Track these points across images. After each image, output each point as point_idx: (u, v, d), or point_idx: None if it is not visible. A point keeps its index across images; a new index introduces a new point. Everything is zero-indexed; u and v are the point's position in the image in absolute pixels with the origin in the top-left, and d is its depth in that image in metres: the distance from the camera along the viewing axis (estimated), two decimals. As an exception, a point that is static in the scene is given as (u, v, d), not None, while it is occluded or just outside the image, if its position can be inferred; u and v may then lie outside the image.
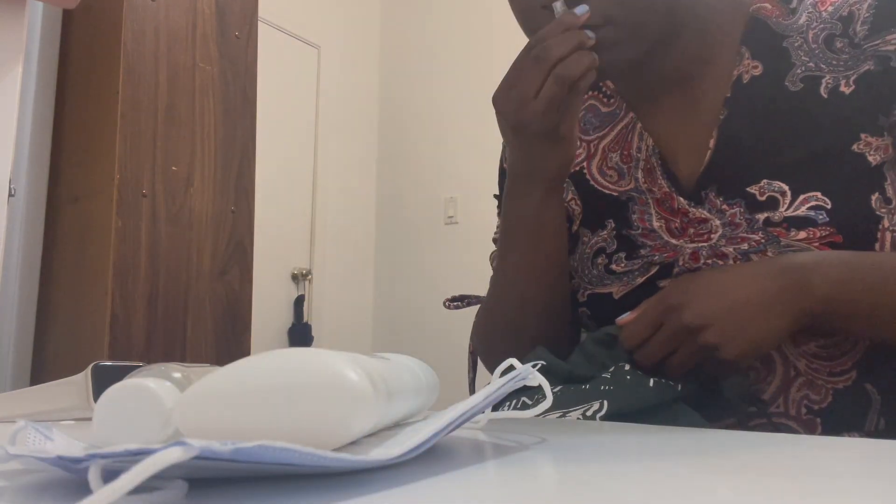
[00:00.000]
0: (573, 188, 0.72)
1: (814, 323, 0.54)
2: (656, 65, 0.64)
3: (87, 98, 1.47)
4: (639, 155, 0.67)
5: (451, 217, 3.28)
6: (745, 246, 0.59)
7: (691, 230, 0.62)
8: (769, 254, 0.57)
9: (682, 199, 0.63)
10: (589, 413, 0.53)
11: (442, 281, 3.24)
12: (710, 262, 0.60)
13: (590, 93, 0.74)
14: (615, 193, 0.68)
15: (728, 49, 0.64)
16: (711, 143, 0.62)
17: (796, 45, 0.62)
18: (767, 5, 0.64)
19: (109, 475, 0.17)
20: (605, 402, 0.53)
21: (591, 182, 0.70)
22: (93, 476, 0.19)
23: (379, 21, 3.71)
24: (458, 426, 0.30)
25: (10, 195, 1.35)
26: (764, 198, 0.58)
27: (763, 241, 0.58)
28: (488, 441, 0.36)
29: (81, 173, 1.44)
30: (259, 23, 1.71)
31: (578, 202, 0.72)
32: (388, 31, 3.69)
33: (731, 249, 0.59)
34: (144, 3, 1.45)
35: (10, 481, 0.25)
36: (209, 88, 1.55)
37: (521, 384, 0.37)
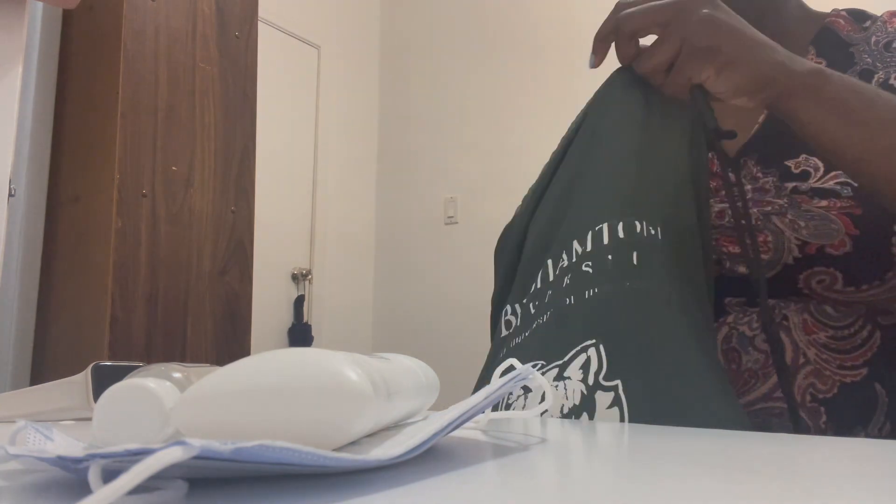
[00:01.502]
0: None
1: (786, 92, 0.54)
2: None
3: (87, 98, 1.47)
4: None
5: (451, 217, 3.28)
6: (768, 208, 0.62)
7: (722, 191, 0.66)
8: (789, 217, 0.60)
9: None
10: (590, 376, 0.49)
11: (442, 281, 3.25)
12: (733, 220, 0.63)
13: None
14: None
15: (796, 46, 0.70)
16: (761, 118, 0.67)
17: (861, 49, 0.67)
18: (842, 21, 0.70)
19: (109, 475, 0.17)
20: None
21: None
22: (93, 476, 0.19)
23: (379, 21, 3.71)
24: (458, 426, 0.30)
25: (10, 195, 1.35)
26: (798, 170, 0.62)
27: (786, 205, 0.61)
28: (488, 441, 0.36)
29: (81, 173, 1.44)
30: (259, 23, 1.71)
31: None
32: (388, 31, 3.69)
33: (755, 210, 0.63)
34: (144, 3, 1.45)
35: (10, 481, 0.25)
36: (209, 88, 1.55)
37: (521, 384, 0.37)
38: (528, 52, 3.11)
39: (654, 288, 0.51)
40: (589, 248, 0.55)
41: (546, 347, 0.52)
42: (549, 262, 0.59)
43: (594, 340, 0.49)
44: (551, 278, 0.57)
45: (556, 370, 0.50)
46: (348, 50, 3.52)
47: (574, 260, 0.56)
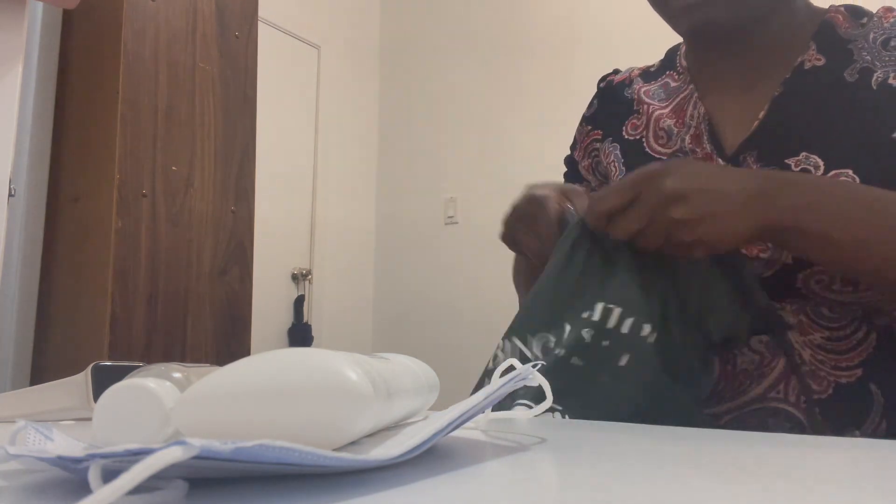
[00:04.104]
0: (617, 152, 0.78)
1: (776, 239, 0.55)
2: (741, 40, 0.71)
3: (87, 98, 1.47)
4: (691, 122, 0.73)
5: (451, 217, 3.28)
6: None
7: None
8: None
9: (721, 160, 0.67)
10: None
11: (442, 281, 3.24)
12: None
13: (667, 72, 0.80)
14: (664, 157, 0.73)
15: (798, 41, 0.70)
16: (762, 114, 0.67)
17: (859, 46, 0.68)
18: (840, 17, 0.71)
19: (109, 475, 0.17)
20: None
21: (647, 150, 0.75)
22: (93, 476, 0.19)
23: (379, 21, 3.71)
24: (458, 426, 0.30)
25: (10, 195, 1.35)
26: (798, 169, 0.62)
27: None
28: (488, 441, 0.36)
29: (81, 173, 1.44)
30: (259, 23, 1.71)
31: (619, 165, 0.77)
32: (388, 31, 3.69)
33: None
34: (144, 3, 1.45)
35: (10, 481, 0.25)
36: (209, 88, 1.55)
37: (521, 384, 0.37)
38: (528, 53, 3.11)
39: (626, 395, 0.53)
40: (596, 317, 0.56)
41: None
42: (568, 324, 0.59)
43: (561, 408, 0.52)
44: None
45: (526, 409, 0.53)
46: (348, 50, 3.52)
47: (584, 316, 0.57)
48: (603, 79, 0.86)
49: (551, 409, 0.51)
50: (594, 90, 0.88)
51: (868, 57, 0.66)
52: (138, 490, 0.18)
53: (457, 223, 3.26)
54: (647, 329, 0.54)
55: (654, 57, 0.86)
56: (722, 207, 0.53)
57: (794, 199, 0.54)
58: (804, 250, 0.56)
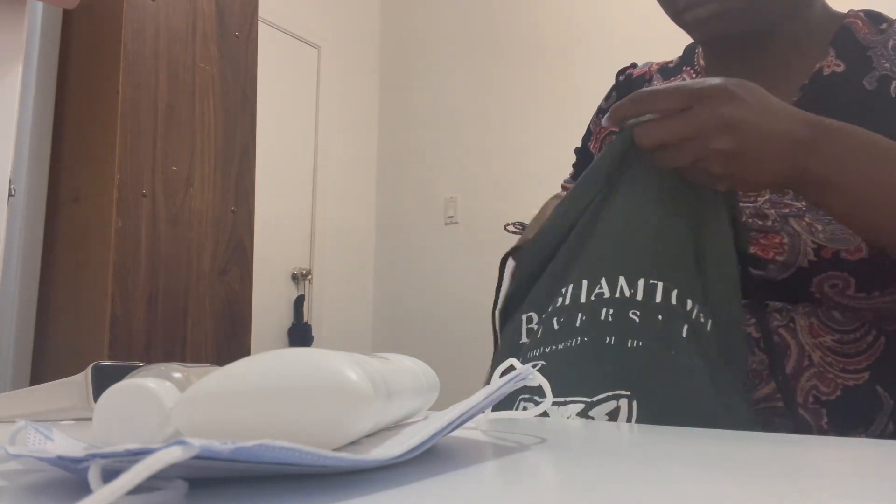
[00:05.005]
0: None
1: (799, 187, 0.54)
2: (758, 45, 0.70)
3: (87, 98, 1.47)
4: None
5: (451, 217, 3.28)
6: (786, 210, 0.61)
7: (740, 191, 0.64)
8: (806, 219, 0.60)
9: None
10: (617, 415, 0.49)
11: (442, 281, 3.24)
12: (751, 220, 0.63)
13: (685, 68, 0.80)
14: None
15: (817, 46, 0.70)
16: None
17: (878, 53, 0.67)
18: (859, 22, 0.70)
19: (109, 475, 0.17)
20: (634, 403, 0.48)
21: None
22: (93, 476, 0.19)
23: (379, 21, 3.71)
24: (458, 426, 0.30)
25: (10, 195, 1.35)
26: None
27: (804, 208, 0.61)
28: (488, 441, 0.36)
29: (81, 173, 1.44)
30: (259, 23, 1.71)
31: None
32: (388, 31, 3.69)
33: (773, 212, 0.62)
34: (144, 3, 1.45)
35: (10, 481, 0.25)
36: (209, 88, 1.55)
37: (521, 384, 0.37)
38: (528, 53, 3.11)
39: (697, 368, 0.50)
40: (639, 296, 0.53)
41: (576, 377, 0.51)
42: (585, 283, 0.55)
43: (629, 393, 0.49)
44: (583, 300, 0.55)
45: (581, 406, 0.49)
46: (348, 50, 3.52)
47: (617, 296, 0.53)
48: (622, 71, 0.85)
49: (615, 396, 0.48)
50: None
51: (887, 65, 0.65)
52: (138, 490, 0.18)
53: (457, 223, 3.26)
54: (689, 304, 0.52)
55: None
56: (763, 148, 0.51)
57: (833, 151, 0.52)
58: (823, 203, 0.55)
